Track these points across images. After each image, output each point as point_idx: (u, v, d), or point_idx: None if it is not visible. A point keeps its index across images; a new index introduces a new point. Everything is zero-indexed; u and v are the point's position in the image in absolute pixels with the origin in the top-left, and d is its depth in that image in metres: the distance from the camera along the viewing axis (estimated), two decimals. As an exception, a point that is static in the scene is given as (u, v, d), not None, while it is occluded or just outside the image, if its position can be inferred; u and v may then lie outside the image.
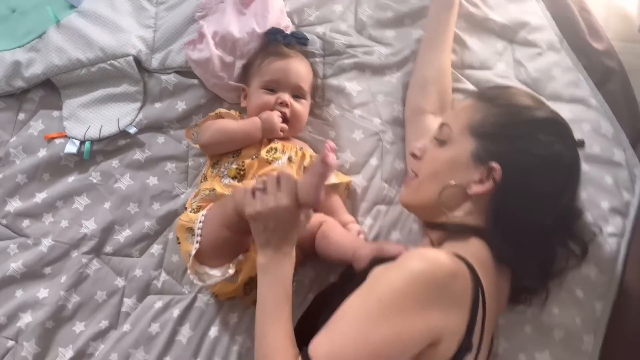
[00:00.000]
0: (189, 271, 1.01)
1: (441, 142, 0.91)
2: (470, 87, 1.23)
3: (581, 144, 0.92)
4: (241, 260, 1.01)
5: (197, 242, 0.99)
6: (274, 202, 0.84)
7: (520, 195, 0.85)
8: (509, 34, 1.27)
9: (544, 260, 0.93)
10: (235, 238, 0.98)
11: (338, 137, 1.21)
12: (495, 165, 0.84)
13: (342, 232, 1.06)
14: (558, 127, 0.90)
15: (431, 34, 1.21)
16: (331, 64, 1.27)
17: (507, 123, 0.87)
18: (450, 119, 0.93)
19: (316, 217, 1.02)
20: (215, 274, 1.00)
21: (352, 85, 1.24)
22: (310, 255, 1.07)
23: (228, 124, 1.13)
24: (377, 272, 0.79)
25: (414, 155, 0.97)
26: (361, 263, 0.93)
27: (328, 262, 1.07)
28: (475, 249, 0.84)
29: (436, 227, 0.92)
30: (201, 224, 1.00)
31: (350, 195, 1.17)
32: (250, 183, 1.03)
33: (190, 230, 1.03)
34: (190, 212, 1.07)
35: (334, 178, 1.12)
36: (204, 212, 1.03)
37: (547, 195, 0.86)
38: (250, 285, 1.03)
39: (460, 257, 0.78)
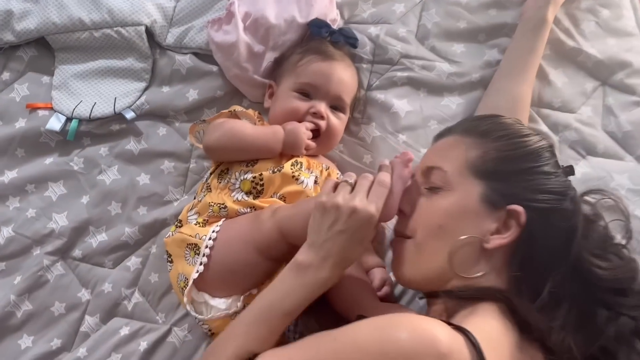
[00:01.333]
0: (184, 299, 0.84)
1: (434, 189, 0.75)
2: (544, 129, 1.01)
3: (570, 170, 0.79)
4: (253, 294, 0.84)
5: (201, 262, 0.82)
6: (359, 204, 0.71)
7: (546, 241, 0.71)
8: (603, 73, 1.05)
9: (594, 336, 0.69)
10: (262, 265, 0.83)
11: (374, 164, 1.03)
12: (517, 208, 0.70)
13: (358, 283, 0.87)
14: (553, 154, 0.77)
15: (512, 56, 1.01)
16: (380, 73, 1.08)
17: (513, 157, 0.74)
18: (438, 161, 0.76)
19: None
20: (219, 305, 0.83)
21: (402, 103, 1.05)
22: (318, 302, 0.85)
23: (242, 127, 0.93)
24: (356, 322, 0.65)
25: (401, 213, 0.78)
26: None
27: (337, 315, 0.88)
28: (486, 320, 0.66)
29: (440, 297, 0.74)
30: (211, 242, 0.83)
31: (378, 237, 0.97)
32: (269, 201, 0.87)
33: (194, 246, 0.84)
34: (196, 225, 0.88)
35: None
36: (216, 226, 0.85)
37: (571, 237, 0.71)
38: None
39: (464, 333, 0.60)
